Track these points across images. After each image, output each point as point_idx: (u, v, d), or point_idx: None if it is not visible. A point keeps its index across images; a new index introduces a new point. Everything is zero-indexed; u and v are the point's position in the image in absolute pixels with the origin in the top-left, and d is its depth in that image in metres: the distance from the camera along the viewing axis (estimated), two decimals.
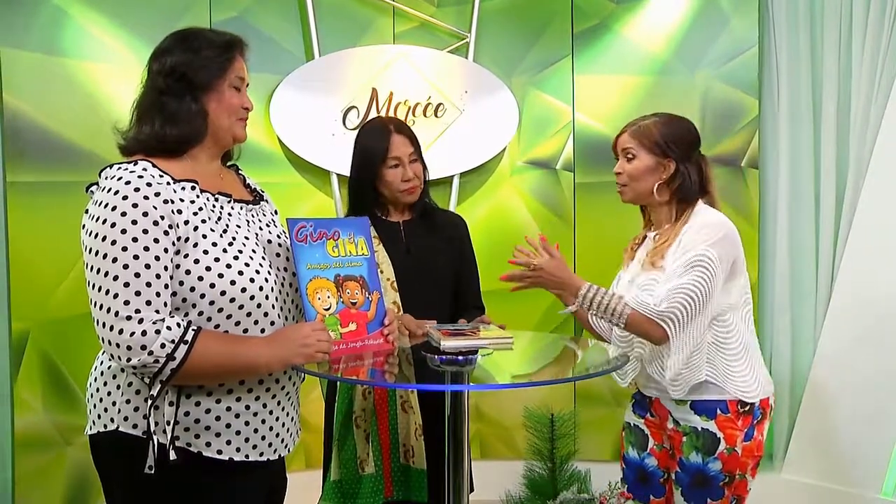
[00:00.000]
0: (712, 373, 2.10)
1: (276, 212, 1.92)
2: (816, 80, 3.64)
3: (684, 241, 2.10)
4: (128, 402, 1.60)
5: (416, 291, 2.40)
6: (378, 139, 2.41)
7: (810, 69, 3.64)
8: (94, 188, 1.64)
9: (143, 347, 1.48)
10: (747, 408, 2.11)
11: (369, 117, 3.65)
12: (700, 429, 2.10)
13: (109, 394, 1.62)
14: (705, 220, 2.13)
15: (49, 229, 3.10)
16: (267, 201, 1.90)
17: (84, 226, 1.58)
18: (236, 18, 3.53)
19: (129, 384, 1.60)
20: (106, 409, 1.62)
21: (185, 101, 1.65)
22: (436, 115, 3.75)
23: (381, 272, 2.35)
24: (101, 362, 1.67)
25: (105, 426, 1.62)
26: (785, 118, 3.68)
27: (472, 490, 2.55)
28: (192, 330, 1.53)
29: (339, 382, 2.36)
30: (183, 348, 1.51)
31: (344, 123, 3.65)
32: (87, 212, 1.59)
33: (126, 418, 1.59)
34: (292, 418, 1.78)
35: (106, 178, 1.60)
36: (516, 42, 3.90)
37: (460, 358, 1.74)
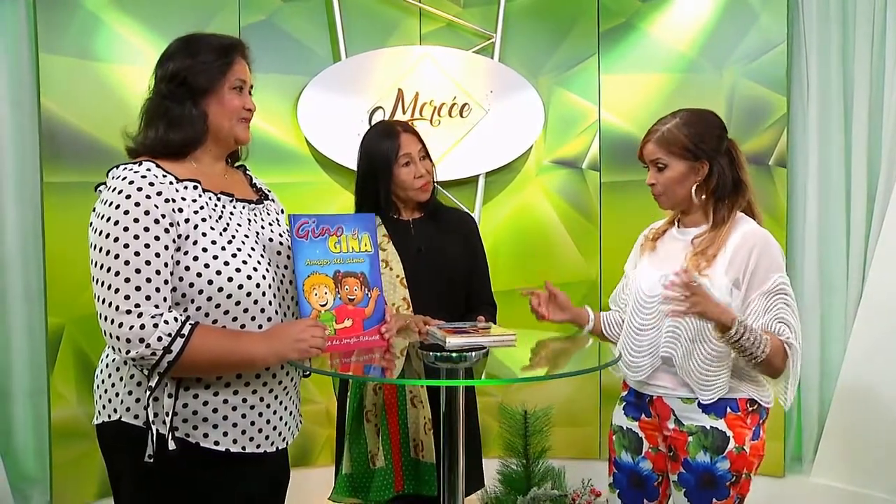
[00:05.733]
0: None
1: (281, 211, 1.97)
2: (847, 76, 3.56)
3: (738, 258, 2.04)
4: (130, 393, 1.66)
5: (427, 289, 2.43)
6: (387, 139, 2.45)
7: (841, 65, 3.56)
8: (101, 187, 1.71)
9: (142, 340, 1.55)
10: (755, 406, 2.10)
11: (395, 117, 3.70)
12: (708, 427, 2.07)
13: (113, 385, 1.70)
14: (747, 229, 2.08)
15: (83, 228, 3.13)
16: (273, 201, 1.95)
17: (91, 223, 1.66)
18: (265, 21, 3.60)
19: (132, 376, 1.66)
20: (110, 400, 1.70)
21: (186, 106, 1.72)
22: (461, 115, 3.78)
23: (391, 269, 2.39)
24: (107, 355, 1.75)
25: (109, 416, 1.69)
26: (814, 116, 3.60)
27: (482, 485, 2.59)
28: (189, 324, 1.59)
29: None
30: (179, 342, 1.57)
31: (370, 123, 3.68)
32: (94, 210, 1.67)
33: (128, 409, 1.66)
34: (290, 412, 1.83)
35: (112, 177, 1.68)
36: (542, 41, 3.89)
37: (454, 355, 1.77)
